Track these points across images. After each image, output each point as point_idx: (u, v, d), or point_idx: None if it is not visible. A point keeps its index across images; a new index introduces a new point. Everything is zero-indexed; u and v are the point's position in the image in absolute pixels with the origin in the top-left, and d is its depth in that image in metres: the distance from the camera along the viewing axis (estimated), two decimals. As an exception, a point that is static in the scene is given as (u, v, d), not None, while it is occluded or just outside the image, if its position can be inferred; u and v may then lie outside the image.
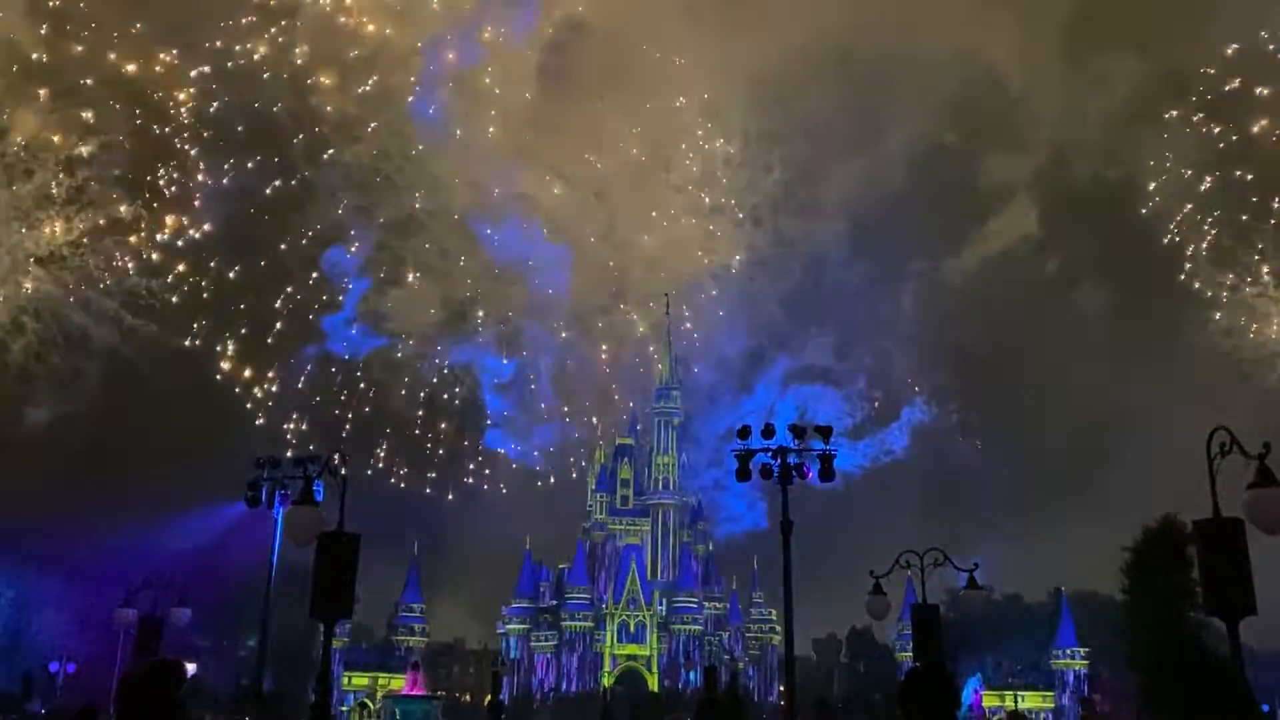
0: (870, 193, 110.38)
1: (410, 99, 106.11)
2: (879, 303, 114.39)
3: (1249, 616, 9.99)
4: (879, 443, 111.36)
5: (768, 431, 23.48)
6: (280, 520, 24.86)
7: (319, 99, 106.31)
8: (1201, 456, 10.43)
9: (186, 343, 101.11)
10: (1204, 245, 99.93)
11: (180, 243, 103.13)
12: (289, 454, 27.83)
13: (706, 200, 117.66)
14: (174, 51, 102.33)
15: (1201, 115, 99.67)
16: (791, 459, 23.30)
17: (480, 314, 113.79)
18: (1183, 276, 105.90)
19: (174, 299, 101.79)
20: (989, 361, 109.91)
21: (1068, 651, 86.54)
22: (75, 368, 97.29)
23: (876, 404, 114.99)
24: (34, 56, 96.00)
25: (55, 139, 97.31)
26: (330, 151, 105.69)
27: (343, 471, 15.57)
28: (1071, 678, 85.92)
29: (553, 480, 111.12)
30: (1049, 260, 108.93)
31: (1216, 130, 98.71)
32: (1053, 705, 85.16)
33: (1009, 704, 74.13)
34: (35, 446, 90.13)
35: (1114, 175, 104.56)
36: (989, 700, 77.72)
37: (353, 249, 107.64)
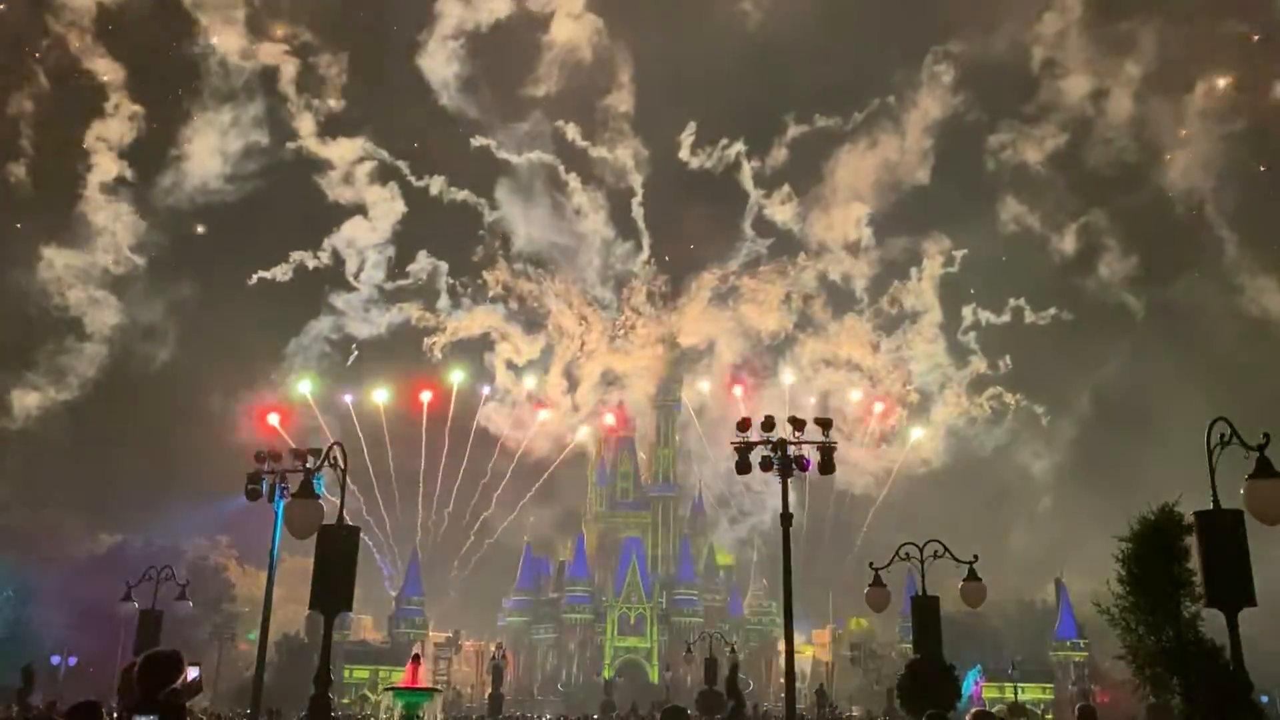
0: (891, 167, 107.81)
1: (425, 61, 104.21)
2: (903, 281, 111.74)
3: (1248, 608, 10.02)
4: (912, 447, 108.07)
5: (767, 424, 23.44)
6: (280, 514, 24.86)
7: (334, 67, 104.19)
8: (1208, 445, 10.43)
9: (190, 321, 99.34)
10: (1230, 224, 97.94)
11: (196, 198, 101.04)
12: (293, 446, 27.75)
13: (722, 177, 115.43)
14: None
15: (1231, 88, 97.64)
16: (790, 451, 23.24)
17: (497, 286, 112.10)
18: (1200, 270, 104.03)
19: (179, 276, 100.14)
20: (1017, 345, 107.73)
21: (1068, 643, 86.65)
22: (73, 352, 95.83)
23: (907, 396, 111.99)
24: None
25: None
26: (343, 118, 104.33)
27: (342, 465, 15.56)
28: (1071, 669, 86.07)
29: (553, 471, 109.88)
30: (1072, 239, 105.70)
31: (1244, 106, 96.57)
32: (1052, 697, 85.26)
33: (1009, 695, 74.18)
34: (30, 435, 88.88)
35: (1138, 150, 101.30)
36: (989, 692, 77.78)
37: (372, 224, 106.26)
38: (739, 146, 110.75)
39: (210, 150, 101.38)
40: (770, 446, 23.09)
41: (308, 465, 22.45)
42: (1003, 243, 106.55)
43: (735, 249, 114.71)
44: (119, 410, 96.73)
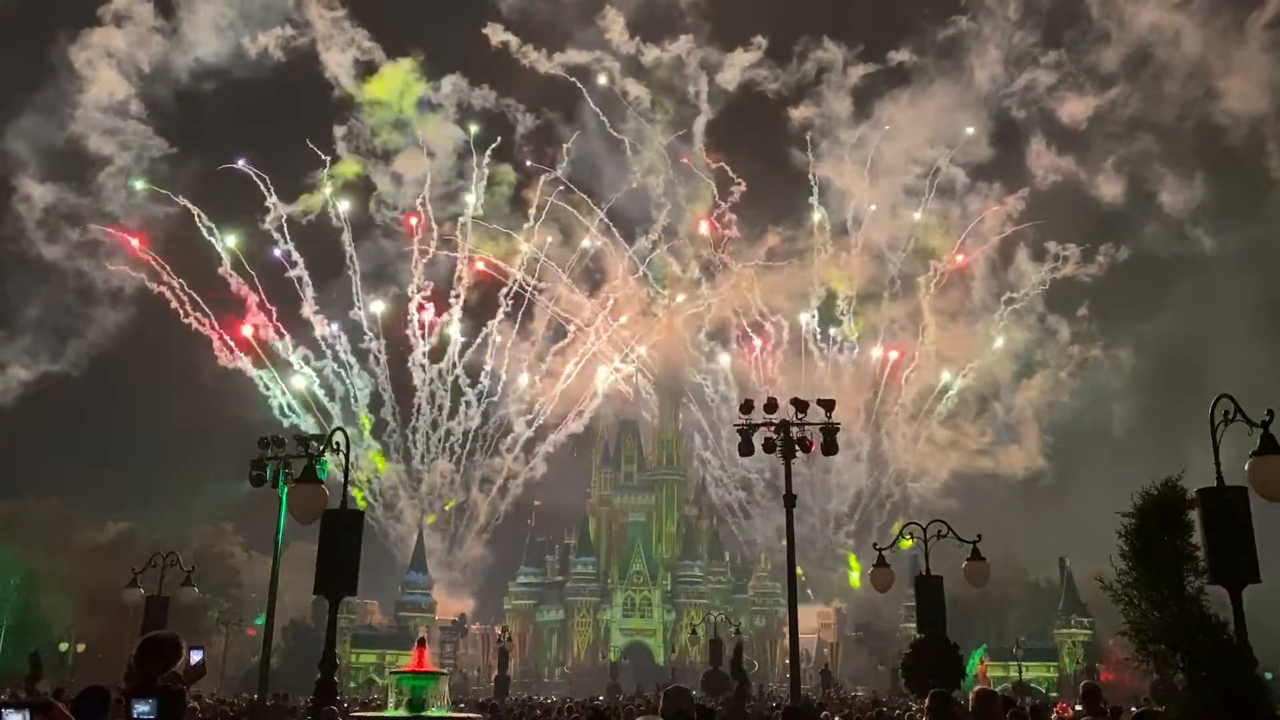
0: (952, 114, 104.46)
1: None
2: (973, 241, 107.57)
3: (1252, 585, 10.01)
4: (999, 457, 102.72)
5: (770, 405, 23.39)
6: (284, 499, 24.86)
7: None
8: (1211, 422, 10.39)
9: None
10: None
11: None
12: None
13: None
14: None
15: None
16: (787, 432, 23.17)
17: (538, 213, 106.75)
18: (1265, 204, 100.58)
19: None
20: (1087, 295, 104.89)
21: (1072, 621, 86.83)
22: (70, 315, 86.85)
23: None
24: None
25: None
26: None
27: (345, 450, 15.56)
28: (1078, 648, 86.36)
29: (561, 447, 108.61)
30: (1129, 177, 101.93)
31: None
32: (1056, 675, 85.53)
33: (1014, 674, 74.42)
34: (8, 415, 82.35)
35: (1199, 88, 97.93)
36: (993, 671, 78.05)
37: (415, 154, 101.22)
38: (825, 53, 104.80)
39: (223, 46, 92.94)
40: (773, 428, 23.05)
41: (310, 450, 22.43)
42: (1063, 187, 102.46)
43: (797, 202, 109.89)
44: (122, 385, 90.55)
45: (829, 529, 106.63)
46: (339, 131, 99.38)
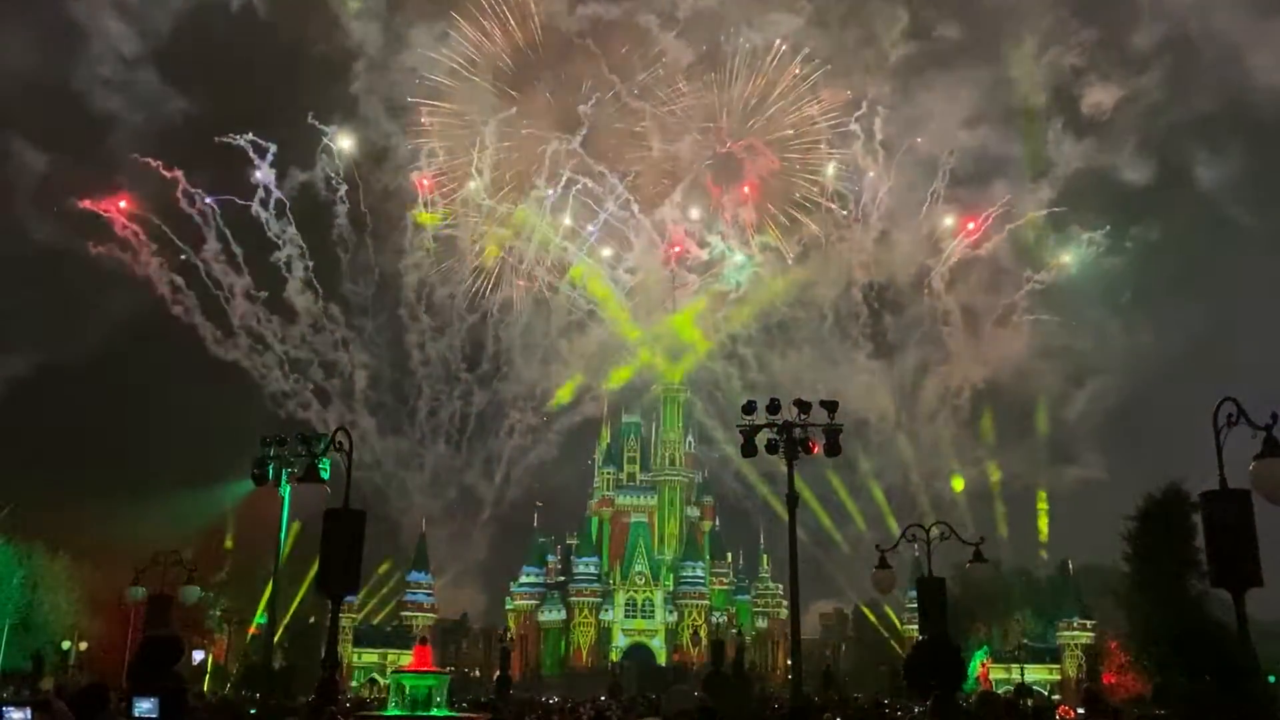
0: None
1: None
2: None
3: (1255, 588, 9.99)
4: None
5: (773, 406, 23.36)
6: (287, 497, 24.91)
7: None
8: (1215, 425, 10.34)
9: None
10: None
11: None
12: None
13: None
14: None
15: None
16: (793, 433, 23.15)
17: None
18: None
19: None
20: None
21: (1074, 623, 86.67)
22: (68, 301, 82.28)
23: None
24: None
25: None
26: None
27: (346, 448, 15.54)
28: (1078, 649, 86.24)
29: (560, 455, 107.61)
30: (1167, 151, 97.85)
31: None
32: (1058, 677, 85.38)
33: (1015, 676, 74.34)
34: (22, 405, 78.99)
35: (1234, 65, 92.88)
36: (995, 672, 78.00)
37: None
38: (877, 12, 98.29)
39: None
40: (775, 429, 23.02)
41: (312, 449, 22.44)
42: (1092, 170, 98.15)
43: (827, 185, 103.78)
44: (124, 379, 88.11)
45: (850, 527, 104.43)
46: (346, 94, 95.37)
